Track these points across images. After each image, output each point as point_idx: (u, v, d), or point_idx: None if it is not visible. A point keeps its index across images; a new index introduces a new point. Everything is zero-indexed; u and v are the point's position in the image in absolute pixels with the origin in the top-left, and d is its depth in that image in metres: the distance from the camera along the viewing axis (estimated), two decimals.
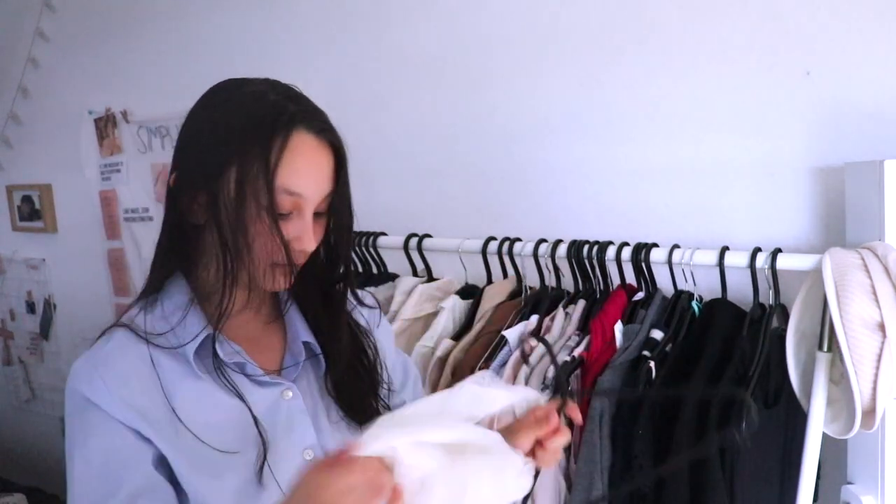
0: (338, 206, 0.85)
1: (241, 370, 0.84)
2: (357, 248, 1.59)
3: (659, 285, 1.28)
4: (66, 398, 0.86)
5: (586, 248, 1.31)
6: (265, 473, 0.79)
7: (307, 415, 0.85)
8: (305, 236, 0.81)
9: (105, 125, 2.34)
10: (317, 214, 0.83)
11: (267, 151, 0.77)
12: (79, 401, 0.82)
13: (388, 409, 0.92)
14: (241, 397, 0.81)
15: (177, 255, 0.85)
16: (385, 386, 0.93)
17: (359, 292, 0.96)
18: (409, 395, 1.00)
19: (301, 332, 0.89)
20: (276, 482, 0.79)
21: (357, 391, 0.90)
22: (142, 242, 2.33)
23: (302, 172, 0.79)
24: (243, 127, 0.79)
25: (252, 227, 0.79)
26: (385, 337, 1.00)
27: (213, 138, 0.81)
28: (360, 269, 1.62)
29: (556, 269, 1.38)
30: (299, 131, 0.79)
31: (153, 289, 0.86)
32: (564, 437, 0.80)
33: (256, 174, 0.77)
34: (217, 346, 0.82)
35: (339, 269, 0.91)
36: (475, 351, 1.33)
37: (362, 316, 0.96)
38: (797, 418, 1.11)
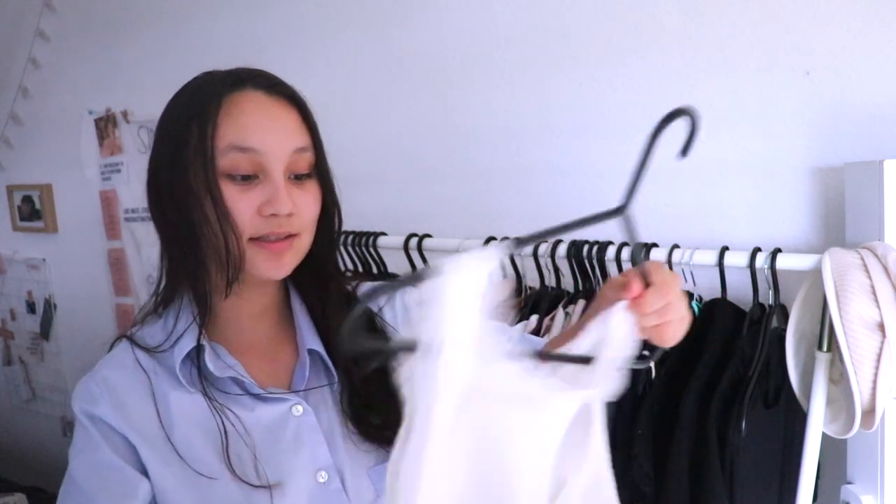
0: (320, 167, 0.79)
1: (239, 385, 0.78)
2: (357, 248, 1.59)
3: None
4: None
5: (586, 247, 1.31)
6: (259, 496, 0.73)
7: (320, 432, 0.78)
8: (276, 197, 0.73)
9: (105, 125, 2.34)
10: (298, 177, 0.76)
11: (206, 118, 0.73)
12: (78, 414, 0.78)
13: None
14: (223, 419, 0.75)
15: (175, 265, 0.80)
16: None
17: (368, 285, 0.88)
18: None
19: (308, 338, 0.81)
20: None
21: (378, 406, 0.78)
22: (142, 242, 2.33)
23: (251, 126, 0.73)
24: (184, 107, 0.76)
25: (207, 203, 0.72)
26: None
27: (161, 130, 0.78)
28: (361, 270, 1.62)
29: (556, 268, 1.38)
30: (244, 90, 0.75)
31: (163, 298, 0.82)
32: (655, 296, 0.64)
33: (201, 144, 0.72)
34: (208, 360, 0.76)
35: (334, 248, 0.84)
36: None
37: (389, 305, 0.88)
38: (797, 418, 1.11)
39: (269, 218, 0.74)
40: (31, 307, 2.81)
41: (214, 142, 0.73)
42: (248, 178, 0.74)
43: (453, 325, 0.51)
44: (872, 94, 1.16)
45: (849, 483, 1.11)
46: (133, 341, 0.80)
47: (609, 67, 1.40)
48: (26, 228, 2.73)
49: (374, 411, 0.79)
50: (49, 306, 2.73)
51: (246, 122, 0.74)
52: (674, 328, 0.67)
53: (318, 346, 0.82)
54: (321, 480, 0.76)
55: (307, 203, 0.77)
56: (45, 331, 2.76)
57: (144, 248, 2.33)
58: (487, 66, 1.55)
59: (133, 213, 2.34)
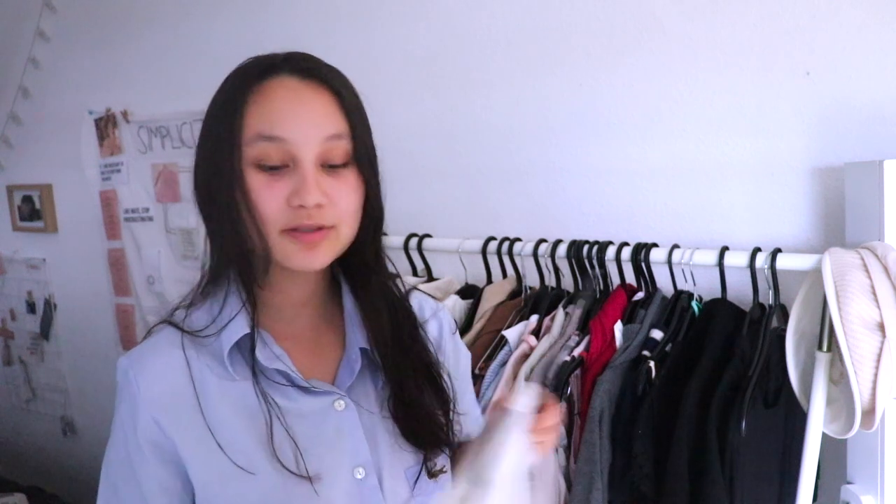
0: (360, 155, 0.75)
1: (284, 376, 0.76)
2: None
3: (659, 285, 1.28)
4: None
5: (586, 248, 1.31)
6: (298, 487, 0.72)
7: (360, 429, 0.77)
8: (303, 188, 0.70)
9: (105, 125, 2.34)
10: (333, 166, 0.73)
11: (235, 106, 0.71)
12: (118, 392, 0.77)
13: (453, 433, 0.83)
14: (269, 408, 0.74)
15: (219, 253, 0.78)
16: (454, 407, 0.83)
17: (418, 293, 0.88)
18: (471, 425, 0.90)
19: (358, 336, 0.80)
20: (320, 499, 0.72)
21: (419, 406, 0.79)
22: (142, 242, 2.33)
23: (279, 114, 0.71)
24: (219, 96, 0.74)
25: (235, 193, 0.71)
26: (461, 355, 0.92)
27: (204, 121, 0.76)
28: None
29: (556, 268, 1.38)
30: (276, 76, 0.73)
31: (209, 280, 0.79)
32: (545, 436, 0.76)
33: (230, 133, 0.71)
34: (258, 350, 0.75)
35: (376, 242, 0.80)
36: (475, 351, 1.33)
37: (435, 319, 0.88)
38: (797, 418, 1.11)
39: (298, 209, 0.71)
40: (30, 307, 2.81)
41: (242, 131, 0.71)
42: (277, 168, 0.71)
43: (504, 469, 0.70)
44: (872, 94, 1.16)
45: (849, 483, 1.11)
46: (178, 327, 0.77)
47: (609, 67, 1.40)
48: (26, 228, 2.73)
49: (417, 414, 0.79)
50: (49, 306, 2.73)
51: (274, 109, 0.71)
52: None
53: (366, 344, 0.80)
54: (358, 476, 0.76)
55: (343, 193, 0.73)
56: (45, 331, 2.76)
57: (144, 248, 2.33)
58: (487, 67, 1.55)
59: (133, 213, 2.34)
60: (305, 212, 0.71)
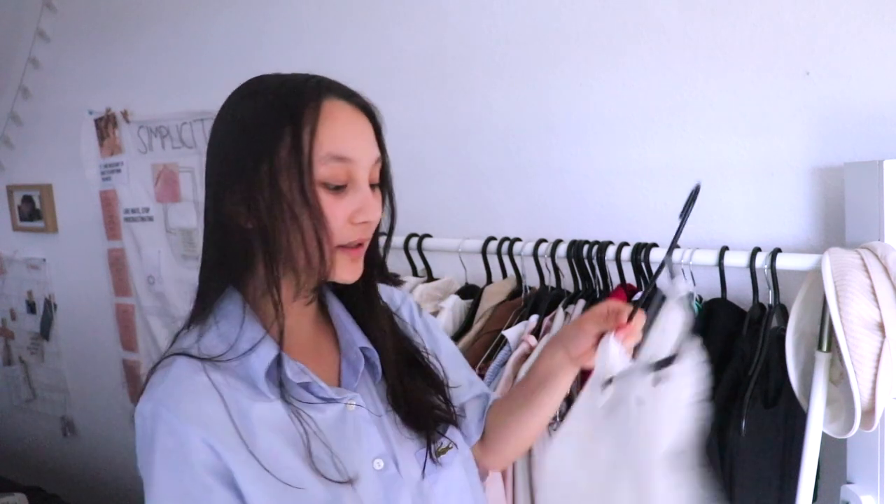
0: (386, 176, 0.82)
1: (307, 388, 0.79)
2: None
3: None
4: (137, 444, 0.76)
5: (586, 247, 1.31)
6: (344, 492, 0.74)
7: (373, 423, 0.82)
8: (368, 205, 0.76)
9: (105, 125, 2.34)
10: (372, 186, 0.79)
11: (301, 124, 0.73)
12: (149, 437, 0.73)
13: (453, 409, 0.88)
14: (302, 423, 0.76)
15: (228, 269, 0.79)
16: (447, 384, 0.89)
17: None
18: (466, 388, 0.96)
19: (356, 336, 0.85)
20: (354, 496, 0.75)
21: (416, 394, 0.86)
22: (142, 242, 2.33)
23: (344, 135, 0.75)
24: (272, 109, 0.75)
25: (304, 211, 0.73)
26: (432, 327, 0.97)
27: (245, 131, 0.76)
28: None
29: (556, 268, 1.38)
30: (329, 98, 0.76)
31: (206, 309, 0.80)
32: (633, 339, 0.82)
33: (298, 151, 0.72)
34: (287, 369, 0.77)
35: (385, 253, 0.87)
36: (475, 350, 1.33)
37: (405, 305, 0.95)
38: (797, 418, 1.11)
39: (359, 225, 0.76)
40: (31, 307, 2.81)
41: (313, 149, 0.73)
42: (340, 188, 0.75)
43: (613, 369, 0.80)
44: (872, 94, 1.16)
45: (849, 483, 1.11)
46: (196, 357, 0.76)
47: (609, 67, 1.40)
48: (26, 228, 2.73)
49: (416, 402, 0.85)
50: (49, 306, 2.73)
51: (342, 131, 0.75)
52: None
53: (367, 343, 0.85)
54: (378, 468, 0.79)
55: (378, 210, 0.80)
56: (45, 331, 2.76)
57: (144, 248, 2.33)
58: (487, 66, 1.55)
59: (133, 213, 2.34)
60: (366, 227, 0.77)
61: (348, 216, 0.75)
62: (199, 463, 0.71)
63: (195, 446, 0.71)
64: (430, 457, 0.84)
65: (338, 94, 0.77)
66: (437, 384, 0.89)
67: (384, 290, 0.92)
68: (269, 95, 0.76)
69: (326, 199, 0.74)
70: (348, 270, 0.78)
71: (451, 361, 0.96)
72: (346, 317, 0.87)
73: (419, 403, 0.86)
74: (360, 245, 0.78)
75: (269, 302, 0.77)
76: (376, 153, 0.79)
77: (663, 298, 0.80)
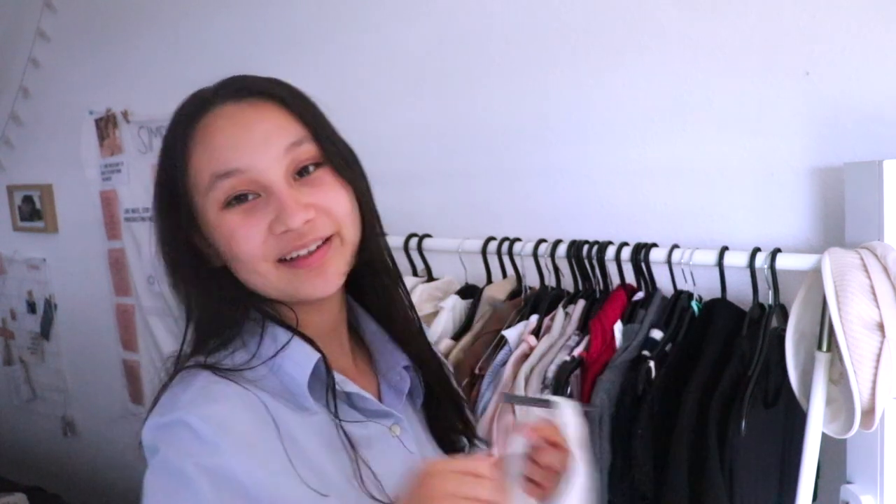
0: (331, 153, 0.70)
1: (348, 401, 0.71)
2: None
3: (658, 285, 1.28)
4: (148, 459, 0.65)
5: (586, 247, 1.31)
6: None
7: (418, 453, 0.75)
8: (284, 210, 0.65)
9: (105, 125, 2.34)
10: (304, 173, 0.68)
11: (181, 156, 0.68)
12: (192, 472, 0.61)
13: (475, 432, 0.81)
14: (352, 446, 0.68)
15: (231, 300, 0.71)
16: (466, 404, 0.82)
17: None
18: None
19: (396, 355, 0.77)
20: None
21: (448, 416, 0.79)
22: (142, 242, 2.33)
23: (223, 147, 0.66)
24: (164, 148, 0.71)
25: (221, 241, 0.67)
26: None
27: (157, 170, 0.72)
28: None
29: (556, 268, 1.38)
30: (211, 110, 0.68)
31: (229, 330, 0.71)
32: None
33: (185, 185, 0.67)
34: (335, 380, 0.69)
35: (378, 242, 0.76)
36: (475, 351, 1.33)
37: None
38: (796, 418, 1.11)
39: (285, 235, 0.66)
40: (31, 307, 2.81)
41: (196, 178, 0.67)
42: (247, 200, 0.67)
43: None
44: (872, 94, 1.16)
45: (848, 483, 1.11)
46: (219, 368, 0.68)
47: (609, 67, 1.40)
48: (27, 228, 2.73)
49: (446, 420, 0.78)
50: (49, 306, 2.73)
51: (221, 143, 0.67)
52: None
53: (408, 361, 0.78)
54: None
55: (329, 196, 0.69)
56: (46, 331, 2.76)
57: (145, 247, 2.33)
58: (487, 66, 1.55)
59: (133, 213, 2.34)
60: (295, 234, 0.66)
61: (267, 228, 0.66)
62: (226, 481, 0.61)
63: (226, 456, 0.62)
64: None
65: (221, 100, 0.69)
66: (461, 406, 0.82)
67: None
68: (169, 124, 0.72)
69: (234, 221, 0.66)
70: (309, 285, 0.68)
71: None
72: (382, 335, 0.79)
73: (452, 425, 0.79)
74: (318, 248, 0.68)
75: (284, 310, 0.70)
76: (287, 140, 0.68)
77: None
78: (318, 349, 0.69)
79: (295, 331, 0.70)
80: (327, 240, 0.69)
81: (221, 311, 0.70)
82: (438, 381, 0.79)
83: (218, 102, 0.69)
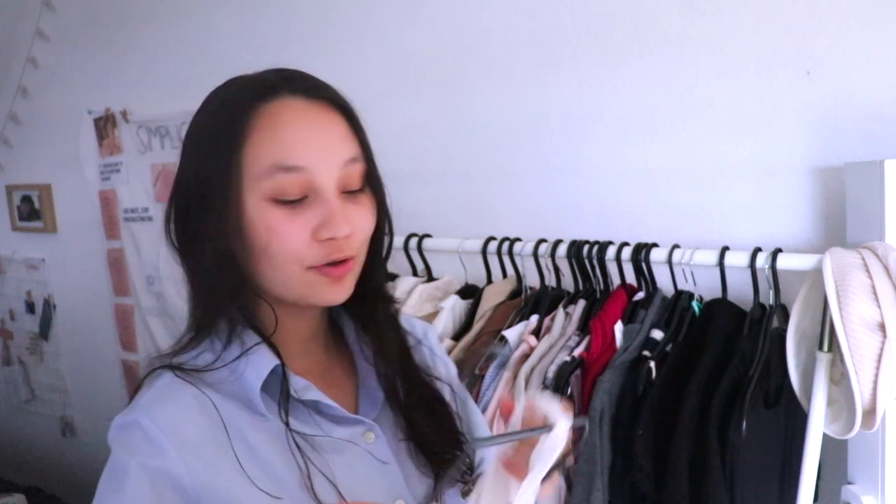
0: (372, 176, 0.70)
1: (315, 408, 0.70)
2: None
3: (659, 285, 1.28)
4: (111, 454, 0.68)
5: (586, 248, 1.31)
6: None
7: (394, 461, 0.73)
8: (333, 219, 0.65)
9: (105, 125, 2.34)
10: (351, 192, 0.68)
11: (240, 133, 0.65)
12: (132, 469, 0.63)
13: (466, 446, 0.78)
14: (304, 447, 0.67)
15: (226, 292, 0.69)
16: (459, 419, 0.79)
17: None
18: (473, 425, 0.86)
19: (374, 364, 0.76)
20: None
21: (435, 429, 0.77)
22: (141, 242, 2.33)
23: (294, 140, 0.65)
24: (214, 120, 0.68)
25: (258, 232, 0.65)
26: (445, 361, 0.87)
27: (196, 147, 0.69)
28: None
29: (556, 269, 1.37)
30: (279, 98, 0.67)
31: (197, 329, 0.71)
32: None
33: (238, 165, 0.65)
34: (289, 380, 0.68)
35: (384, 266, 0.76)
36: (475, 351, 1.33)
37: (426, 340, 0.84)
38: (797, 418, 1.11)
39: (327, 242, 0.66)
40: (30, 307, 2.80)
41: (250, 161, 0.65)
42: (295, 202, 0.65)
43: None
44: (873, 94, 1.16)
45: (849, 483, 1.11)
46: (182, 369, 0.68)
47: (609, 67, 1.40)
48: (25, 228, 2.72)
49: (433, 434, 0.77)
50: (48, 306, 2.73)
51: (291, 135, 0.65)
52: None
53: (385, 371, 0.77)
54: None
55: (364, 220, 0.69)
56: (45, 331, 2.76)
57: (144, 247, 2.33)
58: (487, 67, 1.55)
59: (132, 213, 2.34)
60: (336, 244, 0.66)
61: (310, 233, 0.65)
62: (168, 482, 0.63)
63: (177, 470, 0.63)
64: (458, 492, 0.76)
65: (293, 91, 0.67)
66: (449, 415, 0.80)
67: (406, 320, 0.84)
68: (212, 105, 0.70)
69: (278, 216, 0.65)
70: (327, 292, 0.68)
71: (479, 417, 0.87)
72: (361, 344, 0.78)
73: (440, 438, 0.77)
74: (341, 263, 0.68)
75: (264, 311, 0.70)
76: (347, 153, 0.68)
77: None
78: (279, 356, 0.69)
79: (263, 337, 0.70)
80: (350, 258, 0.69)
81: (221, 294, 0.69)
82: (411, 391, 0.77)
83: (286, 93, 0.67)
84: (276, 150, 0.65)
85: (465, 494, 0.75)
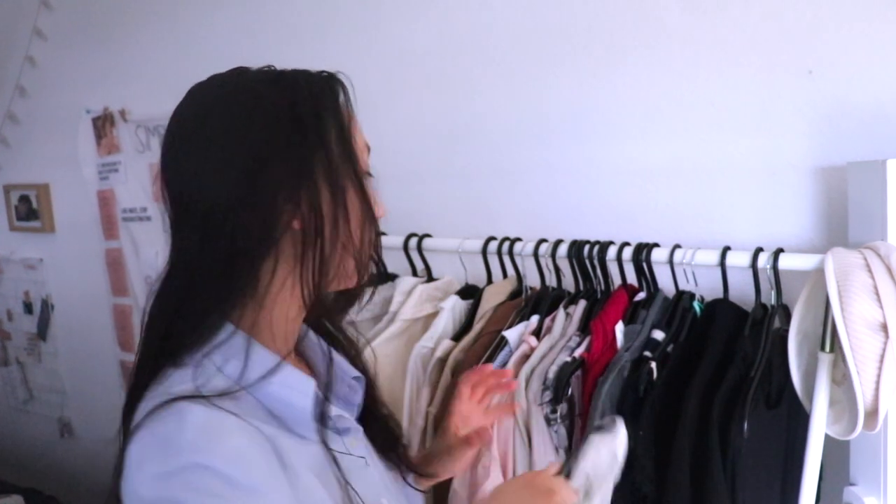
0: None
1: (334, 421, 0.71)
2: None
3: (660, 285, 1.28)
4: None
5: (587, 248, 1.30)
6: None
7: (376, 460, 0.76)
8: (378, 201, 0.74)
9: (103, 124, 2.33)
10: None
11: (343, 112, 0.71)
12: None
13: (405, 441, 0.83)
14: (342, 475, 0.67)
15: (230, 297, 0.66)
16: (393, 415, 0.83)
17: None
18: None
19: (344, 366, 0.77)
20: None
21: (386, 426, 0.80)
22: (140, 242, 2.32)
23: (359, 126, 0.74)
24: (310, 97, 0.70)
25: (357, 205, 0.68)
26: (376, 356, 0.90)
27: (279, 125, 0.67)
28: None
29: (557, 269, 1.37)
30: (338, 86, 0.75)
31: (201, 342, 0.66)
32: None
33: (344, 140, 0.70)
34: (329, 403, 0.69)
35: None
36: (475, 351, 1.32)
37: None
38: (799, 419, 1.11)
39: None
40: (28, 307, 2.79)
41: (357, 138, 0.72)
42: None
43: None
44: (875, 93, 1.15)
45: (851, 484, 1.10)
46: (204, 396, 0.62)
47: (609, 67, 1.40)
48: (23, 228, 2.72)
49: (386, 430, 0.79)
50: (46, 307, 2.72)
51: (355, 122, 0.73)
52: None
53: (357, 373, 0.78)
54: None
55: None
56: (42, 331, 2.75)
57: (142, 247, 2.32)
58: (487, 66, 1.54)
59: (131, 213, 2.33)
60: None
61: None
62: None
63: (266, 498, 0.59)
64: (409, 484, 0.81)
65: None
66: (391, 414, 0.83)
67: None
68: (299, 84, 0.72)
69: (371, 189, 0.71)
70: (367, 272, 0.72)
71: None
72: (322, 345, 0.77)
73: (391, 434, 0.80)
74: None
75: (268, 325, 0.66)
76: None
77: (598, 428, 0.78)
78: (312, 373, 0.70)
79: (277, 352, 0.69)
80: None
81: (243, 283, 0.66)
82: (376, 398, 0.80)
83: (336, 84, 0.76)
84: (361, 132, 0.74)
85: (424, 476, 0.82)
